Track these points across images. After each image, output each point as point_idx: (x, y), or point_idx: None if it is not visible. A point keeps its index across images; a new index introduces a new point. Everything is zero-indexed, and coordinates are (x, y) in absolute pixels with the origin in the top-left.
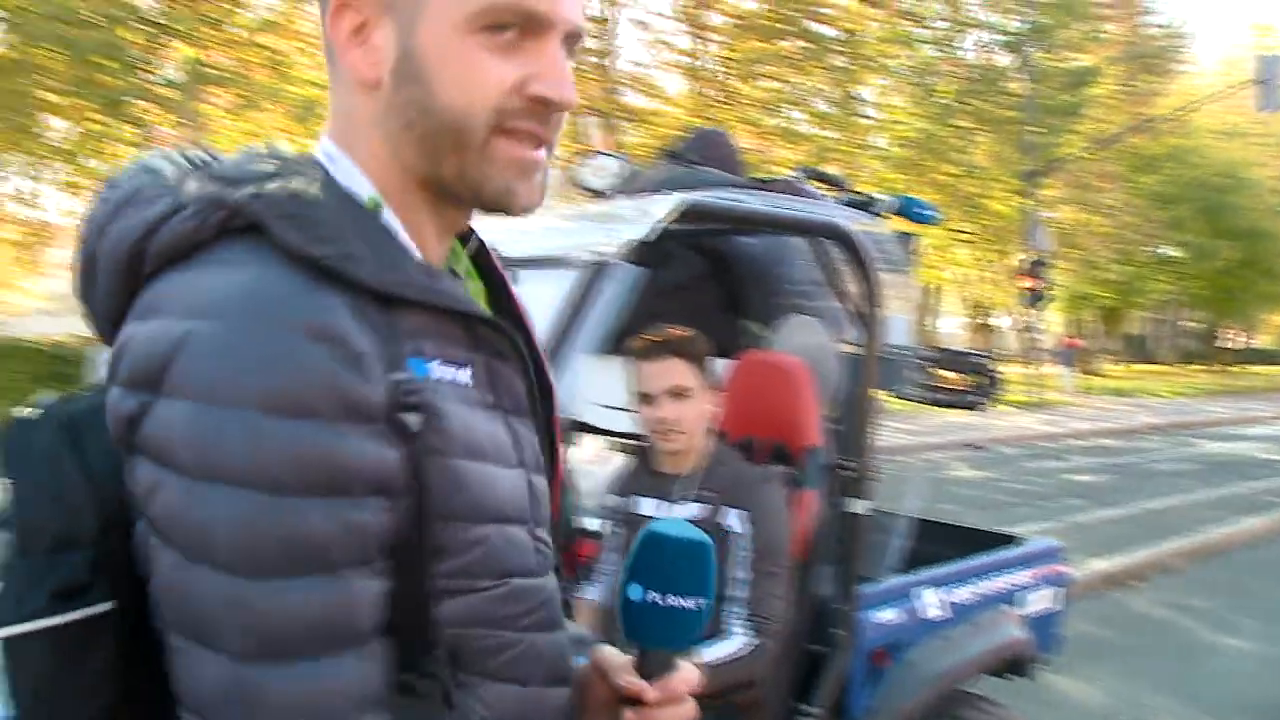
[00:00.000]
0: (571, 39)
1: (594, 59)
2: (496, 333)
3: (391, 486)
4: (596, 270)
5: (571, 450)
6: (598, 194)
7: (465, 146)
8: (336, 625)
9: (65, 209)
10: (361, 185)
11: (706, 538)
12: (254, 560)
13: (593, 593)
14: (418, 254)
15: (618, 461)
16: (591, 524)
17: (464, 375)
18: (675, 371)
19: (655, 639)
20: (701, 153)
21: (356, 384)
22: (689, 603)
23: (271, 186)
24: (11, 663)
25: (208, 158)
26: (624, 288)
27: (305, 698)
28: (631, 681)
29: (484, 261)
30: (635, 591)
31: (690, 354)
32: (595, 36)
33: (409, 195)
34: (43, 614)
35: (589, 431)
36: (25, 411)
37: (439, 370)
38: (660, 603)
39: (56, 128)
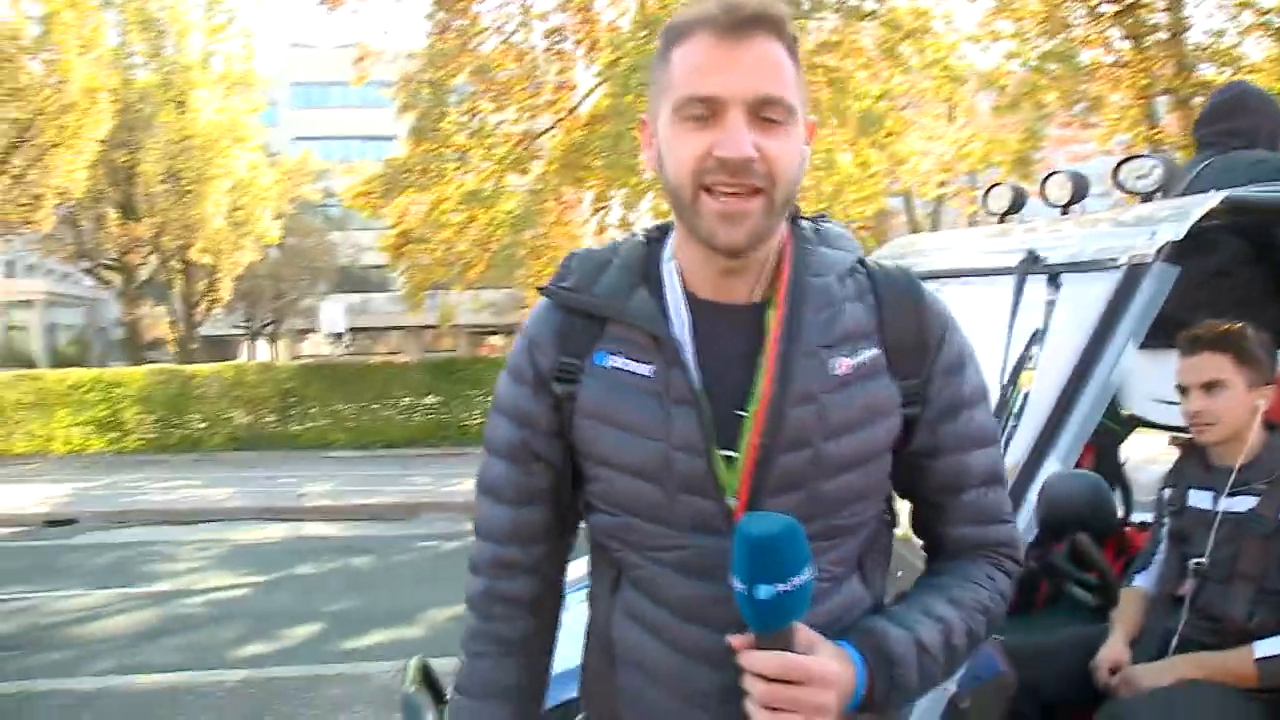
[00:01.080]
0: (761, 106)
1: (1164, 34)
2: (665, 345)
3: (533, 422)
4: (1136, 272)
5: (1125, 445)
6: (1143, 196)
7: (683, 203)
8: (492, 486)
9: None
10: (669, 243)
11: (764, 530)
12: (485, 442)
13: (1141, 580)
14: (677, 287)
15: (1172, 455)
16: (1143, 516)
17: (645, 369)
18: (1209, 365)
19: (746, 618)
20: (1231, 122)
21: (524, 361)
22: (738, 585)
23: (579, 251)
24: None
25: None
26: (1164, 285)
27: (479, 512)
28: (735, 640)
29: (796, 293)
30: (765, 592)
31: (1228, 346)
32: (1166, 9)
33: (687, 246)
34: None
35: (1144, 426)
36: None
37: (616, 361)
38: (789, 589)
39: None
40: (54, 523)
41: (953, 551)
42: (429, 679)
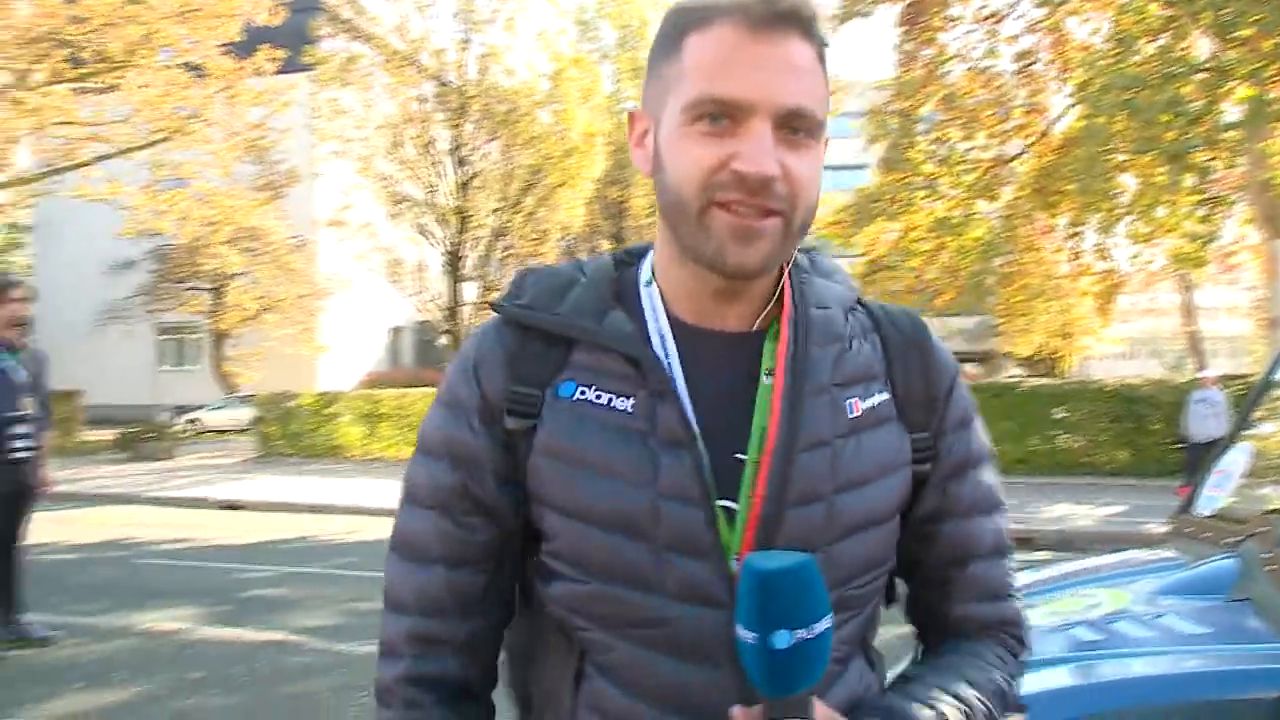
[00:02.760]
0: (791, 118)
1: None
2: (656, 376)
3: (475, 462)
4: None
5: None
6: None
7: (686, 218)
8: (413, 545)
9: (1133, 258)
10: (647, 267)
11: (780, 565)
12: (403, 490)
13: None
14: (660, 312)
15: None
16: None
17: (624, 403)
18: None
19: (755, 679)
20: None
21: (464, 389)
22: (747, 635)
23: (530, 267)
24: None
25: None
26: None
27: (392, 578)
28: (736, 714)
29: (801, 320)
30: (783, 639)
31: None
32: None
33: (670, 266)
34: None
35: None
36: None
37: (588, 394)
38: (810, 636)
39: (1125, 185)
40: None
41: (957, 633)
42: None
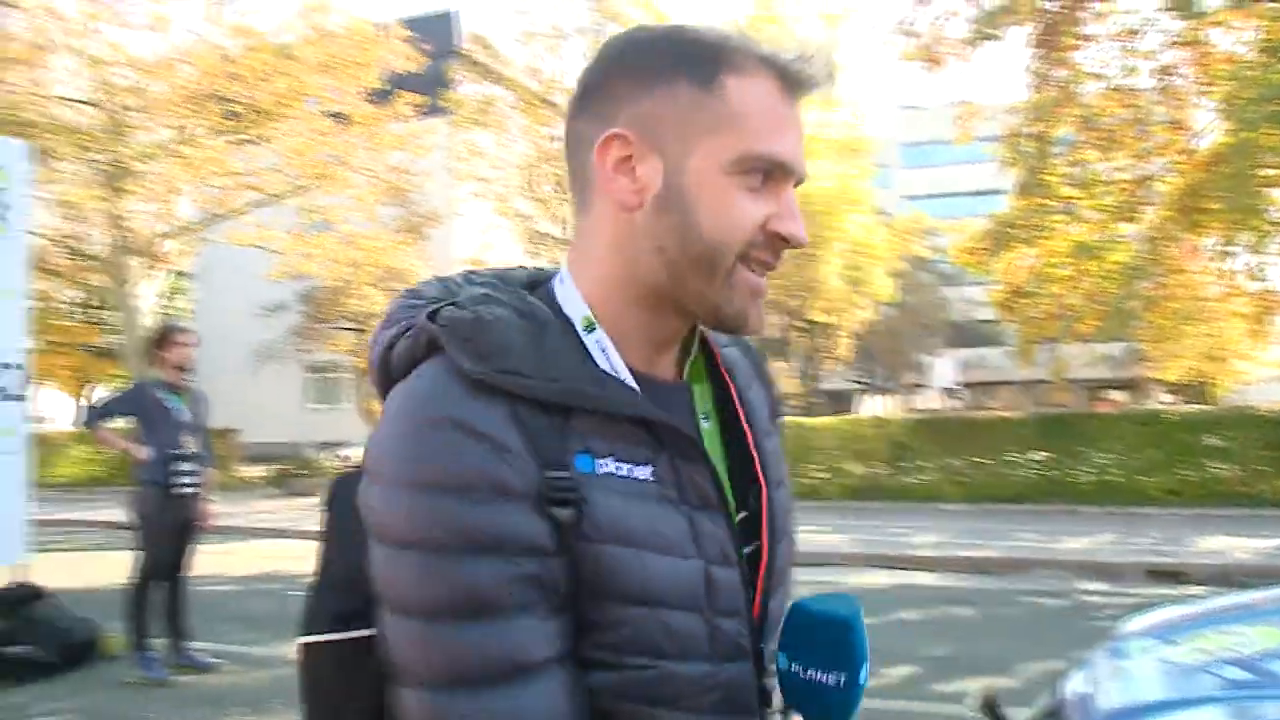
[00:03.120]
0: (798, 184)
1: None
2: (678, 436)
3: (540, 549)
4: None
5: None
6: None
7: (714, 272)
8: (512, 658)
9: None
10: (576, 303)
11: (852, 612)
12: (432, 607)
13: None
14: (618, 363)
15: None
16: None
17: (643, 472)
18: None
19: (810, 709)
20: None
21: (503, 470)
22: (828, 677)
23: (459, 314)
24: (302, 667)
25: (459, 284)
26: None
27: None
28: None
29: (716, 366)
30: (782, 661)
31: None
32: None
33: (627, 307)
34: (327, 632)
35: None
36: (347, 467)
37: (608, 465)
38: (801, 675)
39: (1277, 200)
40: None
41: None
42: (994, 711)
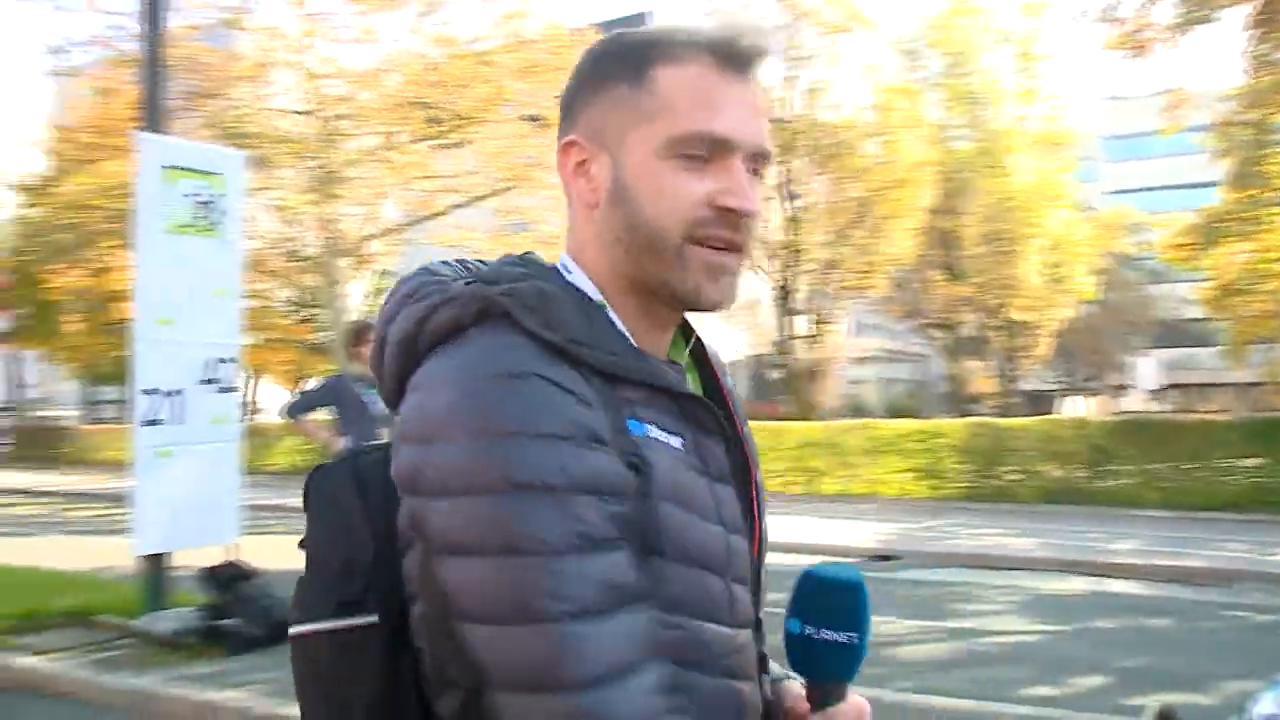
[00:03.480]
0: (757, 159)
1: None
2: (704, 411)
3: (626, 492)
4: None
5: None
6: None
7: (663, 253)
8: (622, 585)
9: None
10: (590, 289)
11: (860, 578)
12: (543, 544)
13: None
14: (633, 342)
15: None
16: None
17: (675, 441)
18: None
19: (818, 671)
20: None
21: (593, 420)
22: (840, 636)
23: (522, 286)
24: (299, 656)
25: (475, 264)
26: None
27: (599, 647)
28: (797, 706)
29: (701, 355)
30: (794, 626)
31: None
32: None
33: (622, 296)
34: (327, 620)
35: None
36: (327, 461)
37: (654, 432)
38: (815, 636)
39: None
40: (880, 557)
41: None
42: None
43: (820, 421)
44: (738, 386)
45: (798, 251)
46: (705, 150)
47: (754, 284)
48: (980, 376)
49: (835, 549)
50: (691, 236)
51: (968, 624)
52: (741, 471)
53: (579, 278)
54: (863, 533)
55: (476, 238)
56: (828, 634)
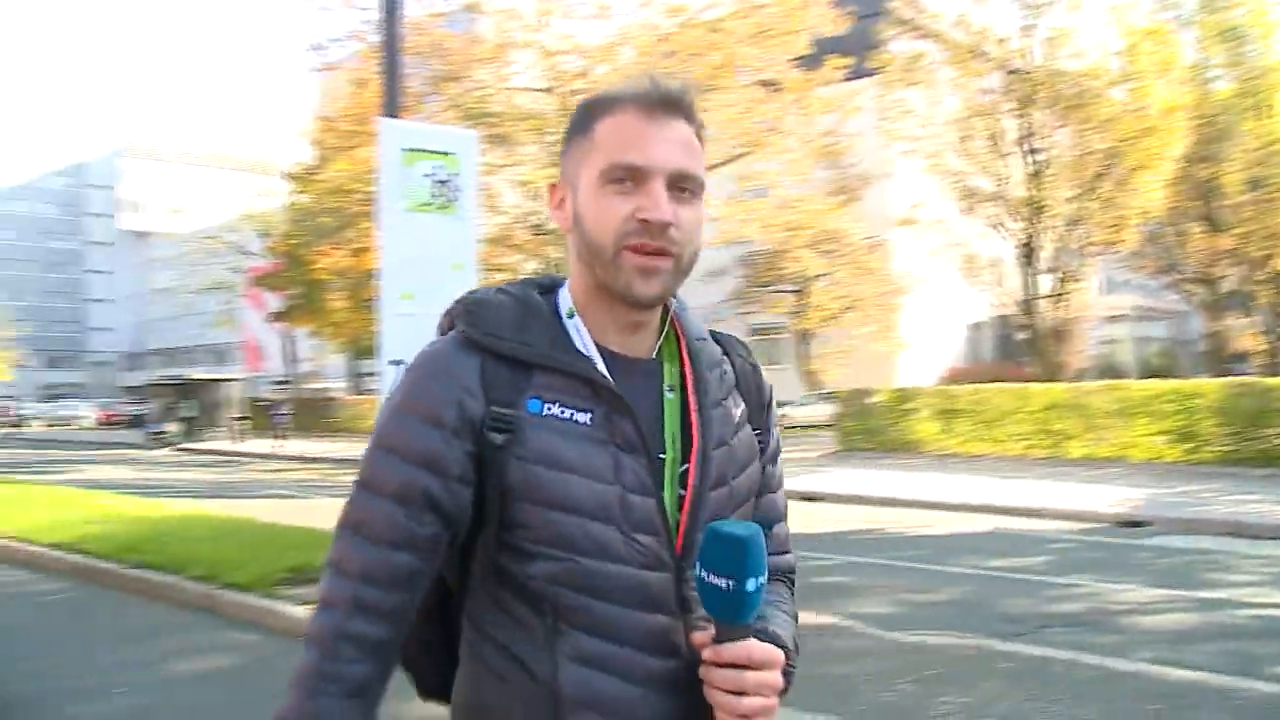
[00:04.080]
0: (679, 179)
1: None
2: (611, 394)
3: (443, 469)
4: None
5: None
6: None
7: (603, 259)
8: (358, 519)
9: None
10: (565, 301)
11: (744, 533)
12: (364, 472)
13: None
14: (588, 341)
15: None
16: None
17: (583, 417)
18: None
19: (714, 611)
20: None
21: (445, 406)
22: (720, 581)
23: (470, 297)
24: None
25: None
26: None
27: (342, 548)
28: (697, 638)
29: (696, 350)
30: (754, 584)
31: None
32: None
33: (595, 304)
34: None
35: None
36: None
37: (553, 409)
38: (706, 579)
39: None
40: (1127, 523)
41: None
42: None
43: (1067, 383)
44: (977, 347)
45: (1041, 208)
46: (629, 177)
47: (997, 243)
48: (1244, 334)
49: (1077, 513)
50: (622, 245)
51: (1219, 594)
52: (688, 443)
53: (562, 292)
54: (1108, 497)
55: (716, 204)
56: (713, 579)
